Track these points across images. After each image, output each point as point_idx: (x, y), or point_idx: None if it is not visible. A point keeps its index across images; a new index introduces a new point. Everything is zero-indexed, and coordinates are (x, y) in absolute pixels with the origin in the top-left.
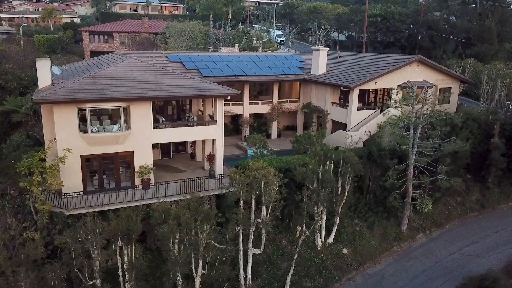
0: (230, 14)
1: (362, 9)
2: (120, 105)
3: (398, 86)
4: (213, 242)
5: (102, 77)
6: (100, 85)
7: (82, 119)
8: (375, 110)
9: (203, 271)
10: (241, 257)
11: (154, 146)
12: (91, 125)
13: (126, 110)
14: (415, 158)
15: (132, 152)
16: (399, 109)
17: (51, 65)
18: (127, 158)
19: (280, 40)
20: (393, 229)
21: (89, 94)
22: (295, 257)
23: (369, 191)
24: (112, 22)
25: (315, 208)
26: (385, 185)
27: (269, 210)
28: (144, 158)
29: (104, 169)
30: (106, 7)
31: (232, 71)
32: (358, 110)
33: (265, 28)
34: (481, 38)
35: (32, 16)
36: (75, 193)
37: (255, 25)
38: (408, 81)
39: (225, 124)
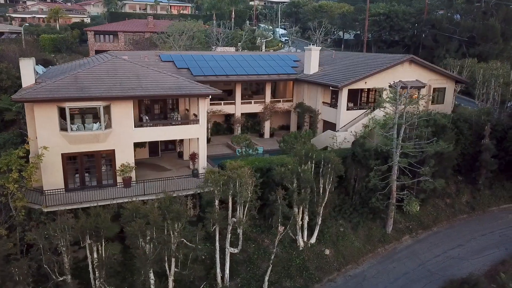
0: (233, 13)
1: (366, 7)
2: (100, 104)
3: (389, 86)
4: (184, 240)
5: (84, 76)
6: (81, 84)
7: (66, 118)
8: (366, 110)
9: (176, 269)
10: (217, 256)
11: (141, 144)
12: (71, 123)
13: (107, 109)
14: (398, 159)
15: (114, 150)
16: (384, 109)
17: (38, 65)
18: (108, 157)
19: (285, 39)
20: (378, 231)
21: (68, 93)
22: (272, 257)
23: (355, 192)
24: (117, 22)
25: (295, 208)
26: (368, 185)
27: (246, 209)
28: (125, 156)
29: (85, 167)
30: (117, 7)
31: (223, 70)
32: (348, 110)
33: (270, 27)
34: (485, 37)
35: (43, 16)
36: (55, 190)
37: (261, 24)
38: (399, 81)
39: (218, 123)
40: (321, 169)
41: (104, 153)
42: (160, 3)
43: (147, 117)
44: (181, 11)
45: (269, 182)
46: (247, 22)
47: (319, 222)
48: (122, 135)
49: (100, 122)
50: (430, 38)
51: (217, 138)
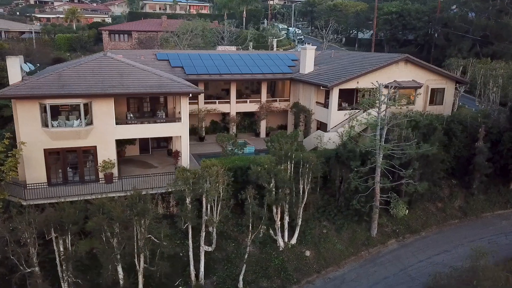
0: (244, 12)
1: (380, 6)
2: (80, 101)
3: (385, 86)
4: (152, 237)
5: (68, 74)
6: (63, 81)
7: (53, 114)
8: (359, 110)
9: (145, 265)
10: (190, 253)
11: (131, 141)
12: (54, 120)
13: (88, 106)
14: (381, 161)
15: (95, 147)
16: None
17: (25, 63)
18: (90, 153)
19: (299, 38)
20: (362, 233)
21: (48, 90)
22: (246, 256)
23: (340, 194)
24: (131, 22)
25: (273, 208)
26: (350, 187)
27: (218, 208)
28: (107, 153)
29: (68, 163)
30: (138, 7)
31: (218, 69)
32: (339, 110)
33: (285, 26)
34: (499, 36)
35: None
36: (38, 185)
37: (276, 24)
38: (394, 80)
39: (215, 122)
40: (300, 170)
41: (86, 149)
42: (179, 3)
43: (131, 115)
44: (200, 11)
45: (250, 181)
46: (265, 21)
47: (299, 223)
48: (104, 132)
49: (80, 119)
50: (442, 37)
51: (213, 136)
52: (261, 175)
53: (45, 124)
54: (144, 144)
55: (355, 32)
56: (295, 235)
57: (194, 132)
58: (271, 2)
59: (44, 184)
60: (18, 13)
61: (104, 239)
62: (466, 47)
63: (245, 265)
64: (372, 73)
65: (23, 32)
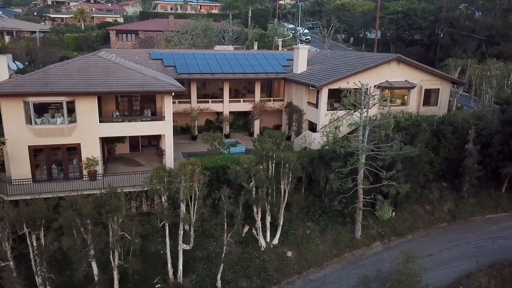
0: (250, 12)
1: (386, 5)
2: (63, 99)
3: (375, 86)
4: (125, 234)
5: (54, 72)
6: (47, 80)
7: (39, 111)
8: (349, 110)
9: (119, 262)
10: (168, 251)
11: (121, 139)
12: (38, 117)
13: (72, 104)
14: (363, 162)
15: (79, 144)
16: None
17: (14, 61)
18: (74, 150)
19: (306, 39)
20: (346, 235)
21: (31, 88)
22: (223, 256)
23: (325, 194)
24: (139, 21)
25: (253, 208)
26: (333, 188)
27: (195, 207)
28: (91, 150)
29: (53, 159)
30: (151, 7)
31: (210, 68)
32: (329, 110)
33: (293, 26)
34: (505, 36)
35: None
36: (22, 181)
37: (284, 23)
38: (386, 81)
39: (210, 121)
40: (281, 170)
41: (70, 147)
42: (190, 3)
43: (117, 113)
44: (210, 11)
45: (231, 180)
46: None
47: (281, 223)
48: (87, 130)
49: (63, 117)
50: (448, 37)
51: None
52: (239, 174)
53: (29, 121)
54: (134, 142)
55: (364, 32)
56: (277, 235)
57: (187, 131)
58: (281, 2)
59: (29, 180)
60: (35, 13)
61: (75, 235)
62: (471, 47)
63: (222, 264)
64: (363, 73)
65: (34, 32)
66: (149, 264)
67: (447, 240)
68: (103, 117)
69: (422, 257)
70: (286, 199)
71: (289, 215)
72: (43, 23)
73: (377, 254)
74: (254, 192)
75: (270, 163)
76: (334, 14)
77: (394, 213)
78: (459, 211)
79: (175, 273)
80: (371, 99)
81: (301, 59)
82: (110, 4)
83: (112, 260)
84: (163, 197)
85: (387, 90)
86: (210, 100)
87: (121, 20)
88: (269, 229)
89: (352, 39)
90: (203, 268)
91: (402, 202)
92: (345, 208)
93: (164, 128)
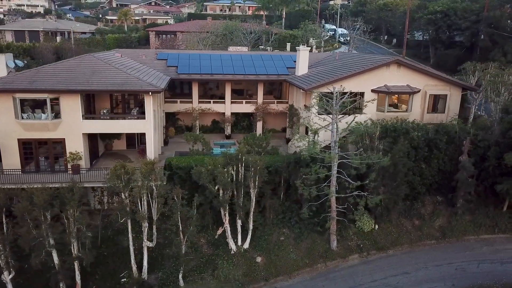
0: (284, 13)
1: (425, 4)
2: (46, 96)
3: (372, 90)
4: (82, 227)
5: (45, 70)
6: (36, 78)
7: (32, 107)
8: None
9: (79, 254)
10: (131, 247)
11: (116, 136)
12: (24, 112)
13: (57, 101)
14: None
15: (64, 139)
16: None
17: (15, 60)
18: (60, 145)
19: (344, 39)
20: (322, 245)
21: (18, 85)
22: (182, 254)
23: (303, 201)
24: (178, 23)
25: (221, 210)
26: (304, 195)
27: (155, 205)
28: (74, 145)
29: (40, 152)
30: (202, 9)
31: (211, 69)
32: (321, 114)
33: (333, 26)
34: None
35: (139, 18)
36: (12, 171)
37: (326, 24)
38: (385, 85)
39: (217, 121)
40: (250, 173)
41: (56, 141)
42: (237, 4)
43: (104, 111)
44: (256, 12)
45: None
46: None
47: (251, 227)
48: (71, 126)
49: (48, 113)
50: (487, 39)
51: (210, 136)
52: (202, 176)
53: (18, 116)
54: (131, 139)
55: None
56: (247, 240)
57: (191, 130)
58: (331, 2)
59: (18, 170)
60: (100, 16)
61: (31, 225)
62: None
63: (183, 264)
64: (358, 76)
65: (84, 33)
66: (118, 258)
67: (430, 259)
68: (87, 114)
69: (396, 275)
70: (253, 203)
71: (264, 220)
72: (101, 25)
73: (352, 267)
74: (221, 195)
75: (240, 166)
76: (375, 14)
77: (376, 226)
78: (451, 228)
79: (141, 269)
80: (341, 104)
81: (302, 61)
82: (168, 6)
83: (73, 251)
84: (123, 194)
85: (385, 95)
86: (212, 100)
87: (171, 21)
88: (240, 233)
89: (395, 40)
90: (170, 266)
91: (382, 214)
92: (315, 216)
93: (144, 126)
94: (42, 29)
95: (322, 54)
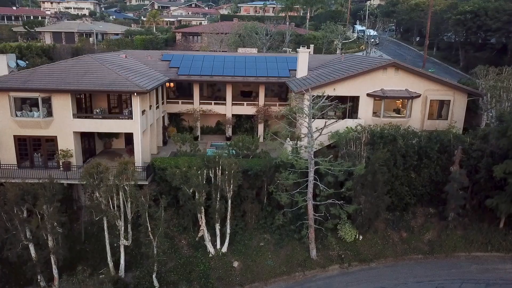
0: (308, 14)
1: (455, 4)
2: (37, 95)
3: (368, 94)
4: (55, 223)
5: (41, 70)
6: (31, 77)
7: (30, 105)
8: (335, 120)
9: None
10: (108, 246)
11: (114, 135)
12: (16, 110)
13: (49, 100)
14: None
15: (56, 137)
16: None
17: (17, 60)
18: (52, 142)
19: (372, 41)
20: (301, 253)
21: (12, 84)
22: (154, 256)
23: (286, 206)
24: (204, 25)
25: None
26: (283, 200)
27: (129, 204)
28: (66, 143)
29: (34, 149)
30: (237, 10)
31: (211, 71)
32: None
33: (363, 28)
34: None
35: (172, 19)
36: (8, 166)
37: (355, 26)
38: (381, 89)
39: (221, 123)
40: (225, 176)
41: (48, 139)
42: (270, 5)
43: (97, 110)
44: (281, 13)
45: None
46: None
47: (228, 231)
48: (63, 124)
49: (40, 111)
50: None
51: (211, 137)
52: (176, 177)
53: (13, 114)
54: (129, 138)
55: (447, 34)
56: (225, 244)
57: (190, 131)
58: (368, 2)
59: (14, 165)
60: (142, 17)
61: (4, 218)
62: None
63: (156, 264)
64: (352, 80)
65: (117, 34)
66: (99, 254)
67: (412, 275)
68: (79, 113)
69: None
70: (229, 207)
71: (245, 225)
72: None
73: (330, 278)
74: (197, 197)
75: (218, 169)
76: (407, 15)
77: (361, 236)
78: (440, 243)
79: (118, 267)
80: (314, 108)
81: (301, 63)
82: (207, 8)
83: (48, 245)
84: (96, 193)
85: (381, 99)
86: (213, 102)
87: (205, 23)
88: (219, 236)
89: (428, 41)
90: (148, 266)
91: (363, 224)
92: (292, 223)
93: (131, 126)
94: (76, 31)
95: (329, 56)
